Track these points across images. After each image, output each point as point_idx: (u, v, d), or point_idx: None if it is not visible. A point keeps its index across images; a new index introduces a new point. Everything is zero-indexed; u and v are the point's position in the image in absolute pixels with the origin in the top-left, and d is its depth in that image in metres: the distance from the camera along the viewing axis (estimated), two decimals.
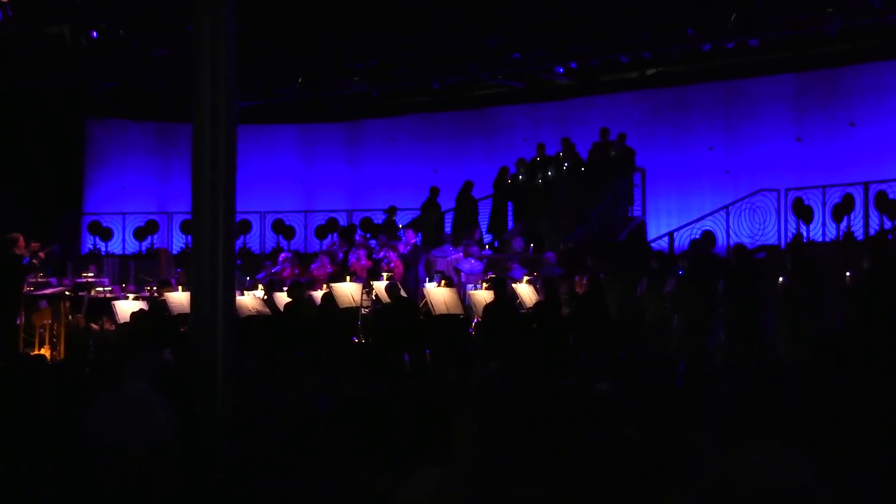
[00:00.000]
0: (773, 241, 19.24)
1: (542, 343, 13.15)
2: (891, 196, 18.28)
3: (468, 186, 21.82)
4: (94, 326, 16.19)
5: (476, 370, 10.57)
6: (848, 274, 12.84)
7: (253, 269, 20.38)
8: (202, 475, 6.15)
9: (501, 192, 21.70)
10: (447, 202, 22.28)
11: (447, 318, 14.61)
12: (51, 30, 19.88)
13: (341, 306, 15.31)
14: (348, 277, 16.58)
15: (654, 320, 13.48)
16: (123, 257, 23.94)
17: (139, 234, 24.84)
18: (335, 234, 22.60)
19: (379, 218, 22.91)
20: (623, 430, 5.33)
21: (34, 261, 15.26)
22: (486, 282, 16.16)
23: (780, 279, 12.58)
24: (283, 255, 20.48)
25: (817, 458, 3.68)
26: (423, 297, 15.41)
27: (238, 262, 20.92)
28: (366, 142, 26.42)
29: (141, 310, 14.62)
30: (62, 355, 15.18)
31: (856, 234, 18.40)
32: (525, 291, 15.40)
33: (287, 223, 24.97)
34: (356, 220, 24.27)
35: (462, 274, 17.99)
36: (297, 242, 24.89)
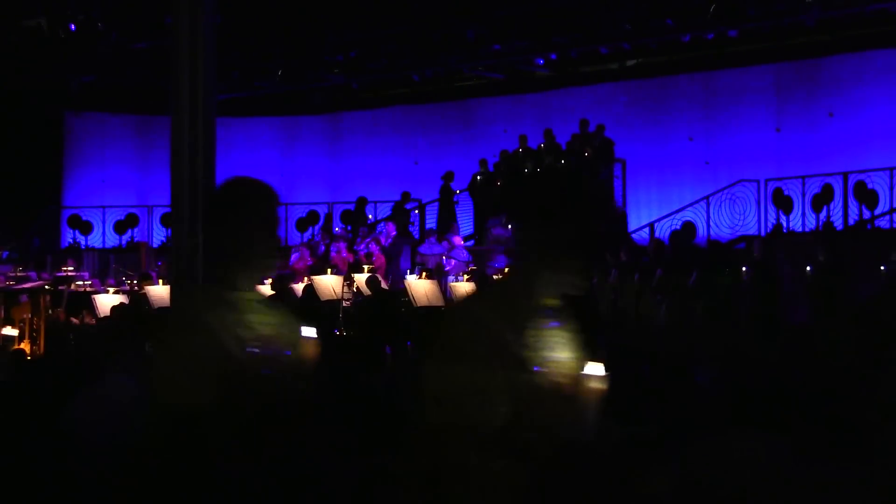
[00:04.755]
0: (753, 231, 19.29)
1: None
2: (870, 186, 18.37)
3: (449, 176, 21.93)
4: (75, 320, 16.12)
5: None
6: (808, 268, 13.07)
7: None
8: (182, 469, 6.12)
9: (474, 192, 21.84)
10: (429, 195, 22.31)
11: (428, 311, 14.61)
12: (28, 22, 19.77)
13: (322, 299, 15.30)
14: (329, 270, 16.58)
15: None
16: (103, 251, 23.84)
17: (119, 227, 24.74)
18: (316, 227, 22.60)
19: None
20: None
21: None
22: (468, 274, 16.18)
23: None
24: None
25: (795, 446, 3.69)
26: (405, 289, 15.42)
27: None
28: (346, 134, 26.37)
29: (121, 303, 14.54)
30: (42, 349, 15.11)
31: (835, 224, 18.48)
32: None
33: None
34: (336, 212, 24.21)
35: (452, 262, 18.00)
36: None
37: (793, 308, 13.35)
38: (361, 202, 22.00)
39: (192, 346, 3.13)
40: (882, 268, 13.47)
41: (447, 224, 20.46)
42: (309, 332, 3.41)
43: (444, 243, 18.91)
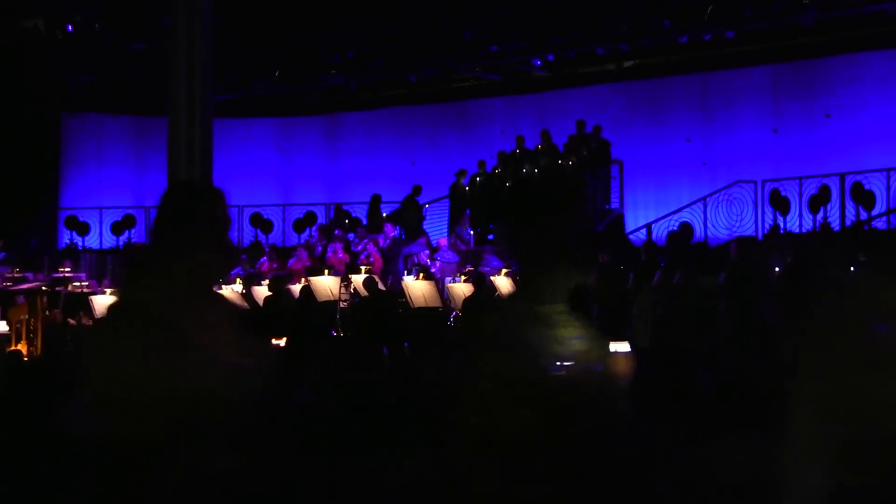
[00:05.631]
0: (750, 232, 19.29)
1: None
2: (866, 187, 18.37)
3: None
4: (72, 321, 16.11)
5: (455, 363, 10.56)
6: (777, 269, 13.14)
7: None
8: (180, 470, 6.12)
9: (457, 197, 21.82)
10: (427, 195, 22.30)
11: (425, 312, 14.62)
12: (26, 23, 19.77)
13: (319, 300, 15.32)
14: (326, 271, 16.59)
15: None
16: (101, 252, 23.83)
17: (116, 228, 24.71)
18: (314, 228, 22.58)
19: (357, 211, 22.86)
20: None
21: None
22: (465, 275, 16.20)
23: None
24: (262, 259, 20.38)
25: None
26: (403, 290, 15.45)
27: None
28: (344, 135, 26.35)
29: None
30: (39, 350, 15.10)
31: (832, 225, 18.47)
32: (503, 284, 15.43)
33: (265, 217, 24.87)
34: (333, 213, 24.19)
35: (437, 264, 18.04)
36: (275, 236, 24.83)
37: (771, 310, 13.41)
38: (376, 200, 21.90)
39: (512, 365, 2.92)
40: (852, 269, 13.47)
41: (458, 220, 20.48)
42: (622, 346, 3.24)
43: (423, 242, 18.99)
